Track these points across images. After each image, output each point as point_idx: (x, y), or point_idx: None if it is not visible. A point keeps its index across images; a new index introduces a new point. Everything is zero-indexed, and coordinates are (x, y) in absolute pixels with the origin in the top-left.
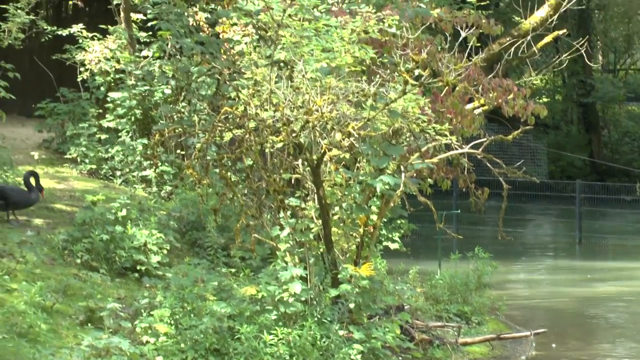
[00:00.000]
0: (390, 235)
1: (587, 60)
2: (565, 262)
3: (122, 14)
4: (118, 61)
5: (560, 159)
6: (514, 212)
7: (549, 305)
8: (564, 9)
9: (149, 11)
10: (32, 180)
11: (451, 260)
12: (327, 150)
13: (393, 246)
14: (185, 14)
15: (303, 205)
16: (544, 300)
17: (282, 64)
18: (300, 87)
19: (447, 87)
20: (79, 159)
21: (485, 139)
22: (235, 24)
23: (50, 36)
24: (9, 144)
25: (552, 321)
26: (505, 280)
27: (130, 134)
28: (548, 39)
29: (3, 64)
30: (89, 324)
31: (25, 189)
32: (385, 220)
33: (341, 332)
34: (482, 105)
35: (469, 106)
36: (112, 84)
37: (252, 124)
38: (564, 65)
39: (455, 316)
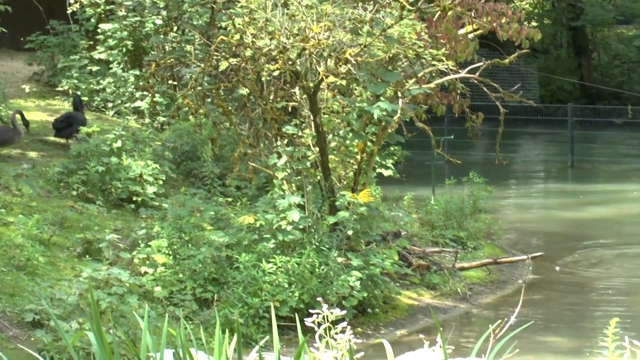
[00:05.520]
0: (383, 162)
1: None
2: (557, 186)
3: None
4: None
5: (550, 83)
6: (505, 136)
7: (543, 229)
8: None
9: None
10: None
11: (445, 186)
12: (324, 77)
13: (386, 173)
14: None
15: (300, 133)
16: (538, 224)
17: None
18: (295, 15)
19: (440, 12)
20: (70, 91)
21: (481, 64)
22: None
23: None
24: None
25: (547, 245)
26: (498, 205)
27: (121, 66)
28: None
29: None
30: (87, 256)
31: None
32: (378, 147)
33: (339, 260)
34: (476, 30)
35: (462, 31)
36: (103, 16)
37: (248, 53)
38: None
39: (451, 241)
